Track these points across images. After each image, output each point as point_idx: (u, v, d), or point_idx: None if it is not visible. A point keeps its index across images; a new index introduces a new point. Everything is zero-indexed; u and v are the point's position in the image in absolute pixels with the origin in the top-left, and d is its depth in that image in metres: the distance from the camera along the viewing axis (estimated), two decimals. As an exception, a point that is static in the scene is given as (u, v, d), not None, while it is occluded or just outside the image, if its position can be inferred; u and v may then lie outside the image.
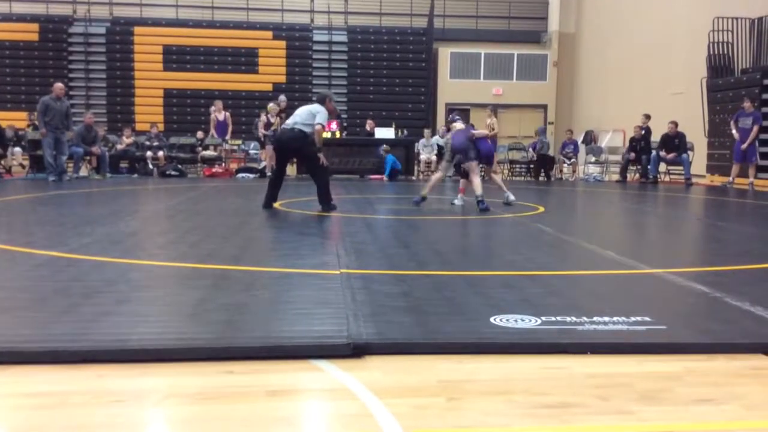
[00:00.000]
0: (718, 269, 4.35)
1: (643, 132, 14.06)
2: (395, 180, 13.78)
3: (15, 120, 15.83)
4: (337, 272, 3.87)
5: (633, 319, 2.89)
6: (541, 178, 14.87)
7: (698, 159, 14.21)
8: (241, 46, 20.33)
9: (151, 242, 5.41)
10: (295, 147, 7.39)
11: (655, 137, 13.94)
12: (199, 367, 2.37)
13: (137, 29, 20.20)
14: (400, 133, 15.53)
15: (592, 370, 2.39)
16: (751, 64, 14.34)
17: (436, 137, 15.63)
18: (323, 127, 7.32)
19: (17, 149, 14.21)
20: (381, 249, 4.88)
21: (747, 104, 12.50)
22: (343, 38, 21.21)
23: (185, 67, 20.08)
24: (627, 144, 15.06)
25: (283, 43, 20.62)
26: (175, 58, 20.08)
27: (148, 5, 20.85)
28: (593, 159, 15.86)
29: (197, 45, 20.19)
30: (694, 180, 13.45)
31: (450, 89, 21.16)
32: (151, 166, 14.18)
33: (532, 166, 15.36)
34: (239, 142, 15.60)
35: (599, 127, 19.00)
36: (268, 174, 11.41)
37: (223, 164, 14.78)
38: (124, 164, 14.52)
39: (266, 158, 13.58)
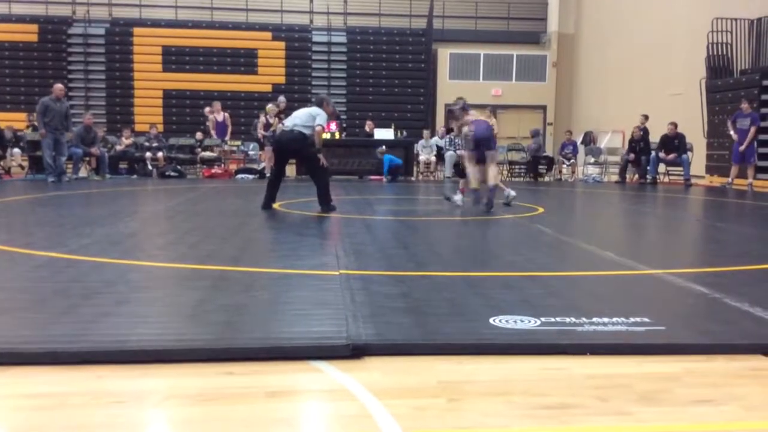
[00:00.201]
0: (718, 270, 4.35)
1: (641, 133, 14.07)
2: (397, 179, 13.77)
3: (14, 121, 15.83)
4: (337, 273, 3.87)
5: (632, 319, 2.89)
6: (539, 179, 14.88)
7: (697, 160, 14.22)
8: (240, 47, 20.33)
9: (151, 243, 5.41)
10: (294, 148, 7.41)
11: (655, 138, 13.96)
12: (199, 368, 2.37)
13: (136, 30, 20.20)
14: (399, 134, 15.54)
15: (591, 371, 2.39)
16: (750, 65, 14.35)
17: (435, 138, 15.63)
18: (323, 128, 7.34)
19: (16, 150, 14.20)
20: (380, 250, 4.88)
21: (745, 105, 12.51)
22: (343, 39, 21.21)
23: (184, 67, 20.08)
24: (626, 145, 15.06)
25: (282, 44, 20.62)
26: (175, 58, 20.08)
27: (148, 6, 20.85)
28: (592, 160, 15.86)
29: (196, 46, 20.19)
30: (693, 181, 13.46)
31: (449, 90, 21.11)
32: (150, 167, 14.18)
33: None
34: (238, 143, 15.61)
35: (598, 128, 19.01)
36: (267, 175, 11.41)
37: (223, 165, 14.78)
38: (123, 165, 14.51)
39: (265, 159, 13.58)
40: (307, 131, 7.22)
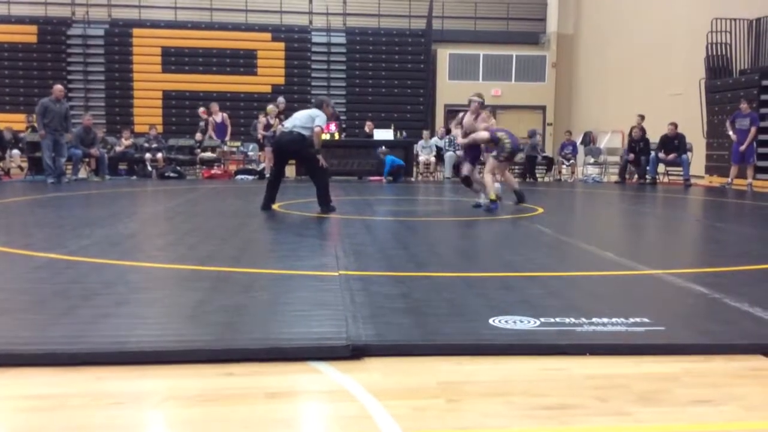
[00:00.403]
0: (717, 270, 4.35)
1: (641, 132, 14.07)
2: (399, 180, 13.74)
3: (13, 122, 15.82)
4: (336, 274, 3.87)
5: (632, 320, 2.89)
6: (536, 179, 14.89)
7: (697, 160, 14.22)
8: (239, 48, 20.32)
9: (150, 244, 5.41)
10: (293, 149, 7.42)
11: (654, 138, 13.95)
12: (198, 369, 2.37)
13: (136, 31, 20.18)
14: (399, 134, 15.53)
15: (590, 372, 2.39)
16: (749, 65, 14.35)
17: (435, 138, 15.64)
18: (322, 129, 7.35)
19: (15, 151, 14.19)
20: (380, 250, 4.88)
21: (744, 105, 12.51)
22: (342, 40, 21.21)
23: (184, 68, 20.06)
24: (625, 145, 15.05)
25: (281, 45, 20.61)
26: (174, 59, 20.07)
27: (147, 7, 20.83)
28: (592, 160, 15.86)
29: (196, 47, 20.18)
30: (692, 181, 13.46)
31: (449, 90, 21.14)
32: (149, 168, 14.17)
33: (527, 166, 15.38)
34: (238, 143, 15.61)
35: (598, 128, 19.00)
36: (267, 176, 11.41)
37: (222, 166, 14.78)
38: (122, 166, 14.50)
39: (265, 159, 13.58)
40: (306, 132, 7.23)
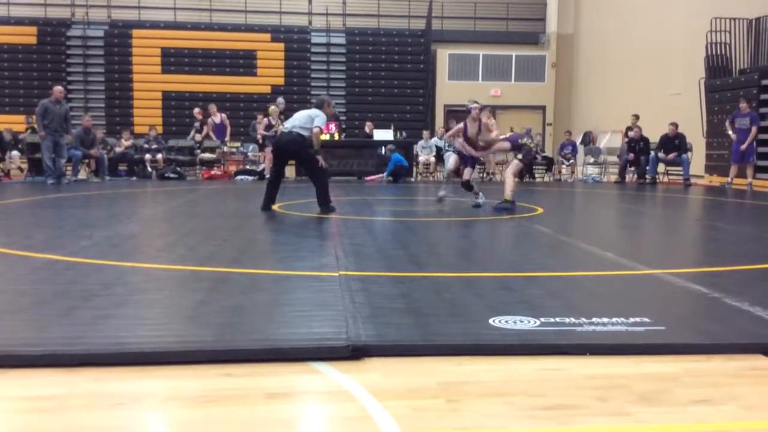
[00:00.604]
0: (717, 270, 4.35)
1: (641, 132, 14.07)
2: (399, 181, 13.71)
3: (13, 123, 15.80)
4: (336, 274, 3.87)
5: (632, 320, 2.89)
6: (535, 179, 14.88)
7: (697, 159, 14.21)
8: (239, 49, 20.32)
9: (150, 245, 5.41)
10: (293, 150, 7.42)
11: (654, 138, 13.95)
12: (198, 369, 2.37)
13: (135, 32, 20.19)
14: (398, 134, 15.53)
15: (590, 372, 2.39)
16: (748, 65, 14.35)
17: (435, 138, 15.63)
18: (321, 129, 7.34)
19: (15, 152, 14.18)
20: (380, 251, 4.88)
21: (743, 105, 12.51)
22: (342, 40, 21.21)
23: (183, 69, 20.06)
24: (624, 145, 15.02)
25: (281, 45, 20.61)
26: (174, 60, 20.07)
27: (146, 8, 20.83)
28: (592, 160, 15.86)
29: (195, 47, 20.18)
30: (692, 180, 13.46)
31: (448, 90, 21.14)
32: (149, 169, 14.16)
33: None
34: (238, 144, 15.60)
35: (598, 128, 19.00)
36: (267, 176, 11.41)
37: (222, 167, 14.77)
38: (122, 167, 14.49)
39: (265, 160, 13.57)
40: (305, 133, 7.23)
